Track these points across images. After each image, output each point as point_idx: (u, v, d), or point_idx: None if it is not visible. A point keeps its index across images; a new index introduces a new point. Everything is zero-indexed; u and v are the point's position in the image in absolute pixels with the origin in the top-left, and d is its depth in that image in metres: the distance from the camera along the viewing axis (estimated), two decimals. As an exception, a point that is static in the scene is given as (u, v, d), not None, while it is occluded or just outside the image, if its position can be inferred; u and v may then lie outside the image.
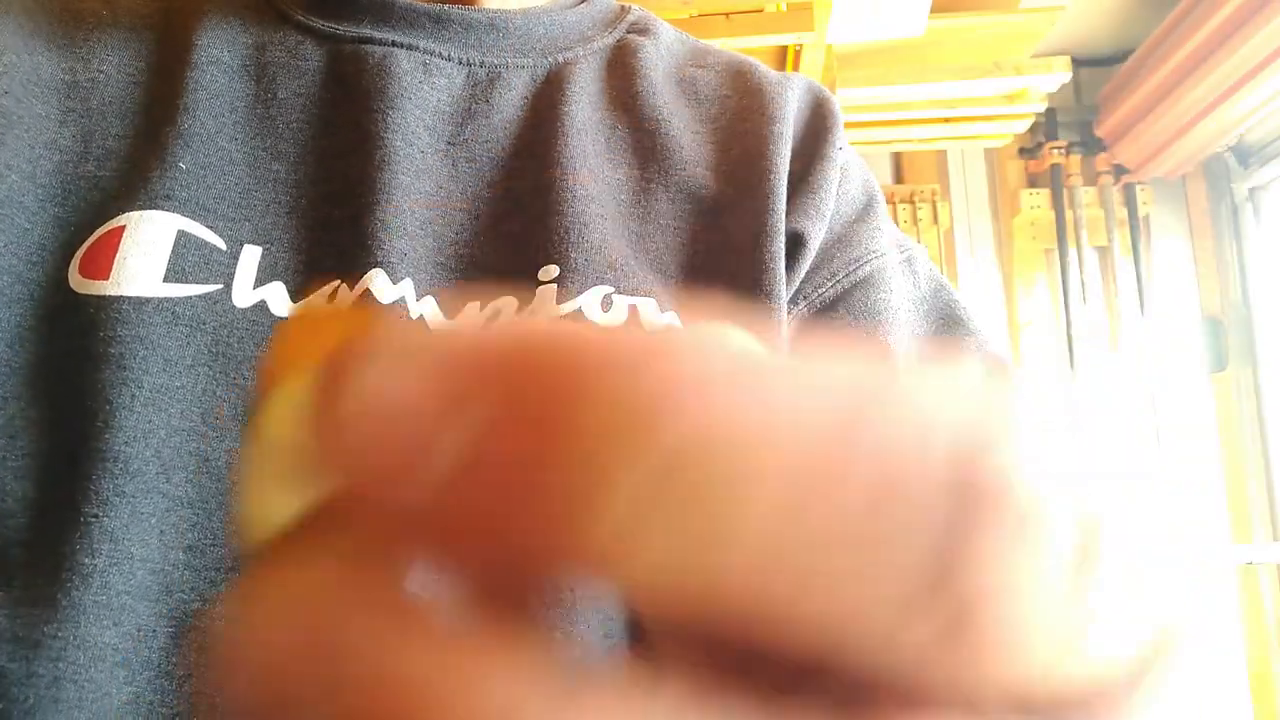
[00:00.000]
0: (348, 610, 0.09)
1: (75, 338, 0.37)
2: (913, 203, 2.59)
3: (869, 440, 0.09)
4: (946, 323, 0.49)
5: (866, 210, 0.50)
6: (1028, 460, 0.09)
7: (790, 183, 0.46)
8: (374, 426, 0.10)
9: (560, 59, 0.49)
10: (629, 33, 0.53)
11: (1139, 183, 2.58)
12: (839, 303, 0.46)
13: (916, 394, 0.10)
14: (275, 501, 0.11)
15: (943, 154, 2.67)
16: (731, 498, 0.09)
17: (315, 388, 0.10)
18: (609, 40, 0.52)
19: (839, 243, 0.48)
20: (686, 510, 0.09)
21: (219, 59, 0.44)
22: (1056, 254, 2.57)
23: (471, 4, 0.48)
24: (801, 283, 0.46)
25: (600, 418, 0.09)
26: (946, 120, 2.31)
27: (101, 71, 0.43)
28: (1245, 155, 2.50)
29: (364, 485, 0.10)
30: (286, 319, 0.11)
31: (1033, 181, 2.65)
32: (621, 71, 0.50)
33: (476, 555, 0.10)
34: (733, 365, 0.09)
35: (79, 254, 0.39)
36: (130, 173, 0.41)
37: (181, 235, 0.39)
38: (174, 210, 0.40)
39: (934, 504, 0.09)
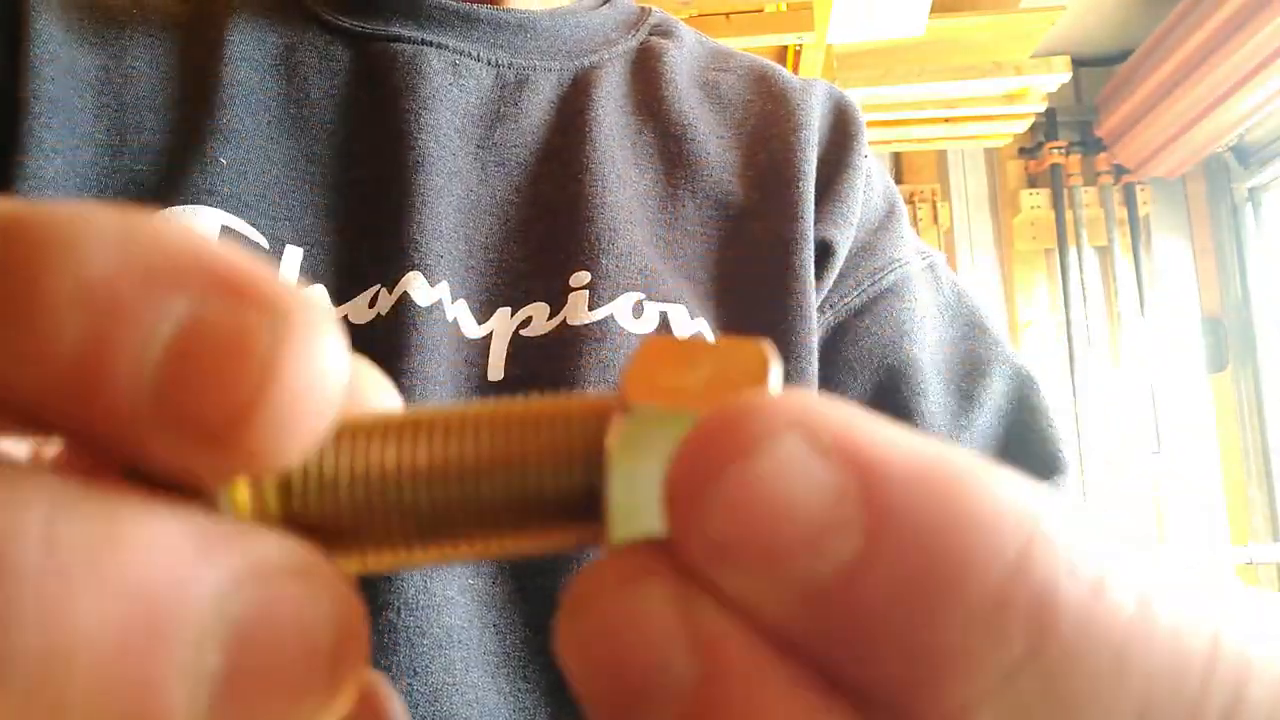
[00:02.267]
0: None
1: None
2: (913, 203, 2.59)
3: (1225, 673, 0.09)
4: (971, 329, 0.49)
5: (889, 217, 0.50)
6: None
7: (817, 190, 0.46)
8: (761, 509, 0.09)
9: (586, 62, 0.49)
10: (651, 35, 0.53)
11: (1139, 183, 2.58)
12: (864, 312, 0.46)
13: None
14: None
15: (943, 154, 2.67)
16: (1095, 695, 0.09)
17: (705, 444, 0.10)
18: (632, 43, 0.52)
19: (863, 251, 0.48)
20: (1045, 693, 0.09)
21: (250, 56, 0.44)
22: (1056, 254, 2.57)
23: (499, 4, 0.48)
24: (829, 292, 0.46)
25: (997, 575, 0.09)
26: (946, 120, 2.31)
27: (134, 67, 0.43)
28: (1245, 155, 2.51)
29: (732, 559, 0.10)
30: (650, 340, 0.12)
31: (1033, 181, 2.65)
32: (646, 75, 0.50)
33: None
34: (1117, 552, 0.09)
35: None
36: (169, 168, 0.41)
37: (226, 231, 0.39)
38: (216, 205, 0.40)
39: None
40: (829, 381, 0.44)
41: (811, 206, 0.45)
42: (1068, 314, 2.53)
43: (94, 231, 0.10)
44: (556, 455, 0.12)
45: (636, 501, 0.11)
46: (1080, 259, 2.54)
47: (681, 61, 0.51)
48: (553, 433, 0.12)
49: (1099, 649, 0.09)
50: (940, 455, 0.09)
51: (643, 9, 0.55)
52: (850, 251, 0.47)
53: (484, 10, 0.47)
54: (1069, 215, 2.55)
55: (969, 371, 0.46)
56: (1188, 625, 0.09)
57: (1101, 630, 0.09)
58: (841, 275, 0.47)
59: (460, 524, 0.12)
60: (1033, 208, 2.57)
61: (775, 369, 0.12)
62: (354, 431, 0.13)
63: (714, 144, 0.48)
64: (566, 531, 0.13)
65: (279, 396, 0.10)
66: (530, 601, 0.38)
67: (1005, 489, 0.09)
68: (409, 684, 0.34)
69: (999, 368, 0.47)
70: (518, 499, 0.12)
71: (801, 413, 0.10)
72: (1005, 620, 0.09)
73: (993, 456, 0.45)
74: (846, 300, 0.46)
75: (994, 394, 0.46)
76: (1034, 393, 0.46)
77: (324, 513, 0.12)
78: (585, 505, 0.12)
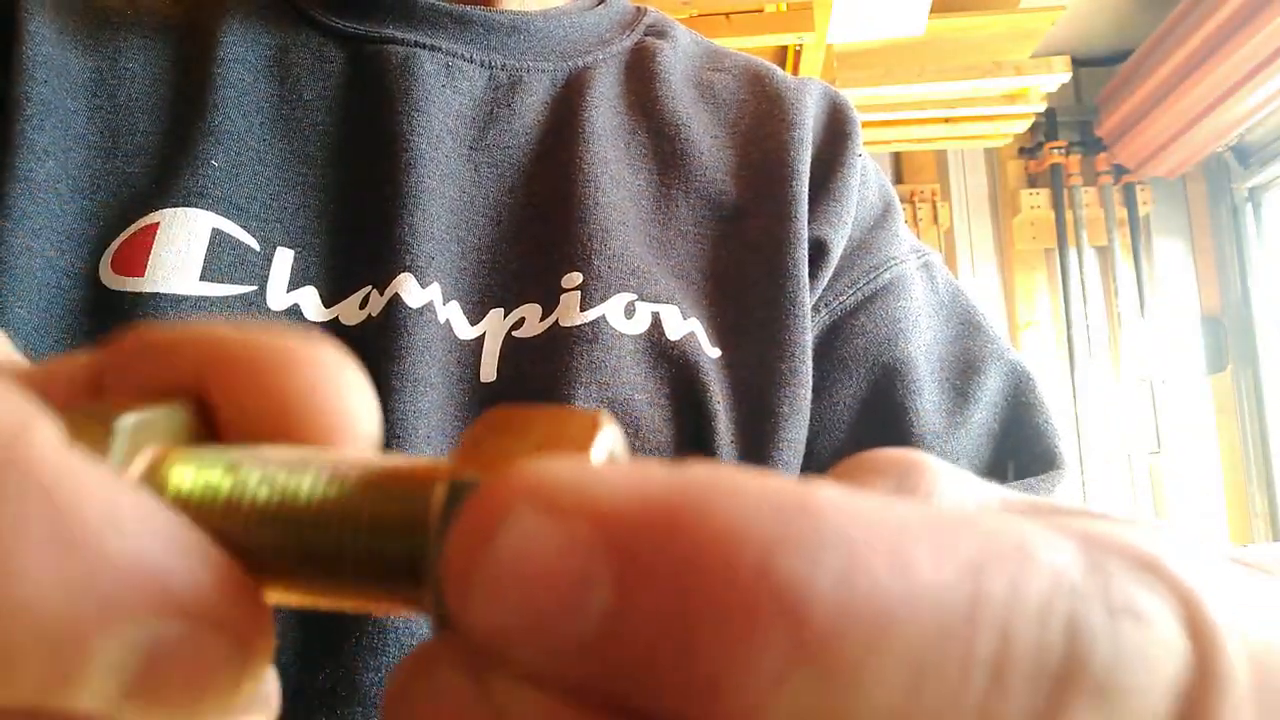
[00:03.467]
0: None
1: (108, 334, 0.37)
2: (913, 203, 2.59)
3: (992, 618, 0.09)
4: (966, 327, 0.49)
5: (884, 216, 0.50)
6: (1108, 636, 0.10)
7: (811, 189, 0.46)
8: (514, 587, 0.10)
9: (580, 63, 0.49)
10: (646, 35, 0.53)
11: (1139, 183, 2.58)
12: (860, 311, 0.46)
13: (1030, 566, 0.10)
14: None
15: (943, 154, 2.67)
16: (862, 676, 0.09)
17: (460, 532, 0.10)
18: (627, 43, 0.52)
19: (859, 250, 0.48)
20: (819, 687, 0.09)
21: (244, 58, 0.44)
22: (1056, 254, 2.57)
23: (492, 5, 0.48)
24: (824, 291, 0.46)
25: (740, 592, 0.09)
26: (946, 120, 2.31)
27: (127, 69, 0.43)
28: (1245, 155, 2.51)
29: (503, 638, 0.10)
30: (492, 413, 0.12)
31: (1033, 181, 2.65)
32: (640, 75, 0.50)
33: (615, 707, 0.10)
34: (868, 531, 0.09)
35: (111, 249, 0.38)
36: (160, 169, 0.41)
37: (217, 234, 0.39)
38: (208, 208, 0.40)
39: (1038, 685, 0.09)
40: (824, 380, 0.44)
41: (805, 206, 0.45)
42: (1068, 314, 2.53)
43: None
44: (384, 519, 0.12)
45: None
46: (1080, 259, 2.54)
47: (676, 61, 0.51)
48: (385, 495, 0.12)
49: (856, 631, 0.09)
50: (669, 486, 0.10)
51: (638, 9, 0.55)
52: (845, 250, 0.47)
53: (477, 12, 0.47)
54: (1069, 215, 2.55)
55: (964, 369, 0.46)
56: (944, 582, 0.09)
57: (855, 612, 0.09)
58: (837, 274, 0.46)
59: (288, 569, 0.12)
60: (1033, 208, 2.57)
61: (603, 437, 0.12)
62: (203, 462, 0.13)
63: (708, 143, 0.48)
64: (399, 596, 0.12)
65: None
66: None
67: (738, 500, 0.09)
68: None
69: (994, 364, 0.47)
70: (345, 555, 0.12)
71: (530, 480, 0.10)
72: (760, 629, 0.09)
73: (989, 453, 0.45)
74: (842, 299, 0.46)
75: (989, 390, 0.46)
76: (1029, 389, 0.46)
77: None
78: (412, 572, 0.12)
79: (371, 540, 0.12)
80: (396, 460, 0.13)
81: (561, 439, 0.12)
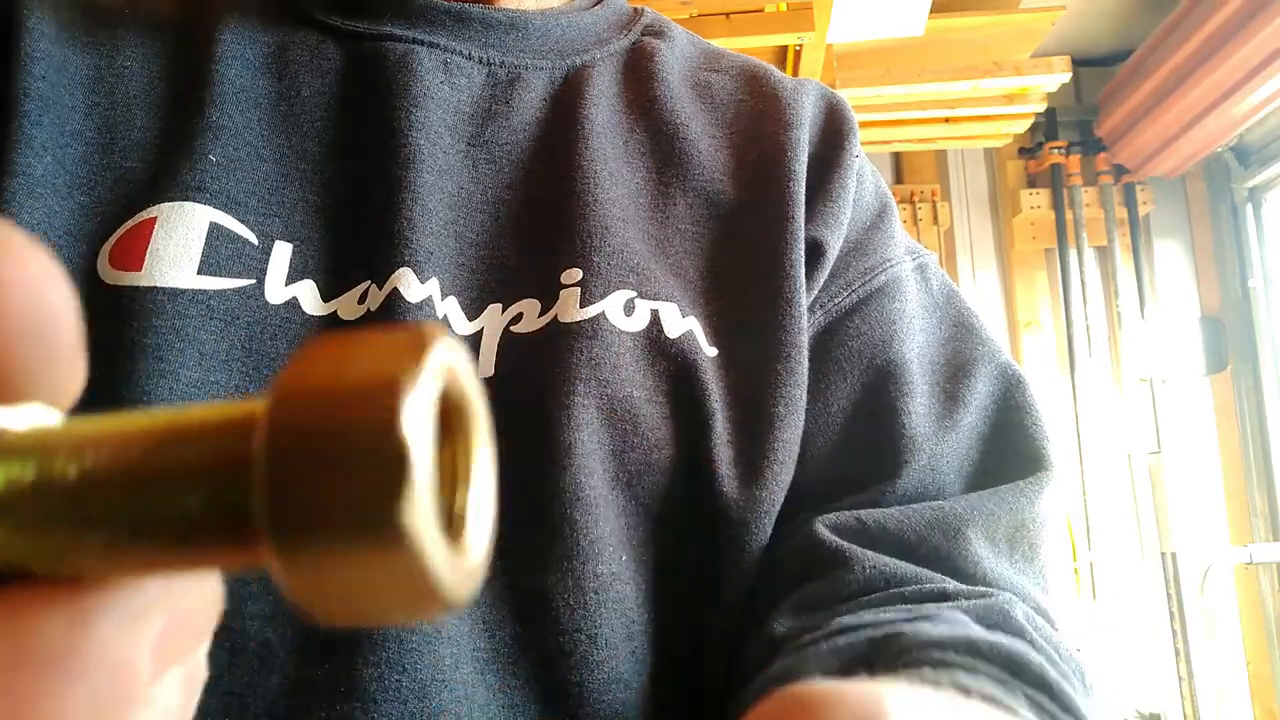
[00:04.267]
0: None
1: (107, 328, 0.37)
2: (913, 203, 2.59)
3: None
4: (958, 329, 0.49)
5: (880, 217, 0.50)
6: None
7: (808, 190, 0.46)
8: None
9: (578, 61, 0.49)
10: (644, 35, 0.53)
11: (1139, 183, 2.58)
12: (855, 312, 0.46)
13: None
14: None
15: (943, 154, 2.67)
16: None
17: None
18: (625, 43, 0.52)
19: (855, 251, 0.48)
20: None
21: (242, 55, 0.44)
22: (1056, 254, 2.57)
23: (491, 3, 0.48)
24: (819, 292, 0.46)
25: None
26: (946, 120, 2.31)
27: (125, 67, 0.43)
28: (1245, 155, 2.51)
29: None
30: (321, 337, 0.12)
31: (1033, 181, 2.65)
32: (638, 75, 0.50)
33: None
34: None
35: (108, 245, 0.38)
36: (158, 164, 0.41)
37: (214, 228, 0.39)
38: (205, 202, 0.40)
39: None
40: (819, 382, 0.44)
41: (802, 207, 0.45)
42: (1068, 314, 2.53)
43: None
44: (202, 468, 0.12)
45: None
46: (1080, 259, 2.54)
47: (674, 61, 0.51)
48: (198, 445, 0.12)
49: None
50: None
51: (635, 10, 0.55)
52: (841, 251, 0.47)
53: (475, 9, 0.47)
54: (1069, 215, 2.55)
55: (954, 372, 0.46)
56: None
57: None
58: (832, 275, 0.47)
59: (114, 540, 0.12)
60: (1033, 208, 2.57)
61: (432, 357, 0.12)
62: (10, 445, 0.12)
63: (706, 143, 0.48)
64: (231, 550, 0.12)
65: None
66: (519, 599, 0.38)
67: None
68: (397, 680, 0.35)
69: (984, 367, 0.47)
70: (169, 516, 0.12)
71: None
72: None
73: (977, 455, 0.45)
74: (837, 300, 0.46)
75: (979, 394, 0.46)
76: (1020, 391, 0.46)
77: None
78: (242, 521, 0.12)
79: (194, 498, 0.12)
80: (203, 410, 0.12)
81: (383, 364, 0.12)
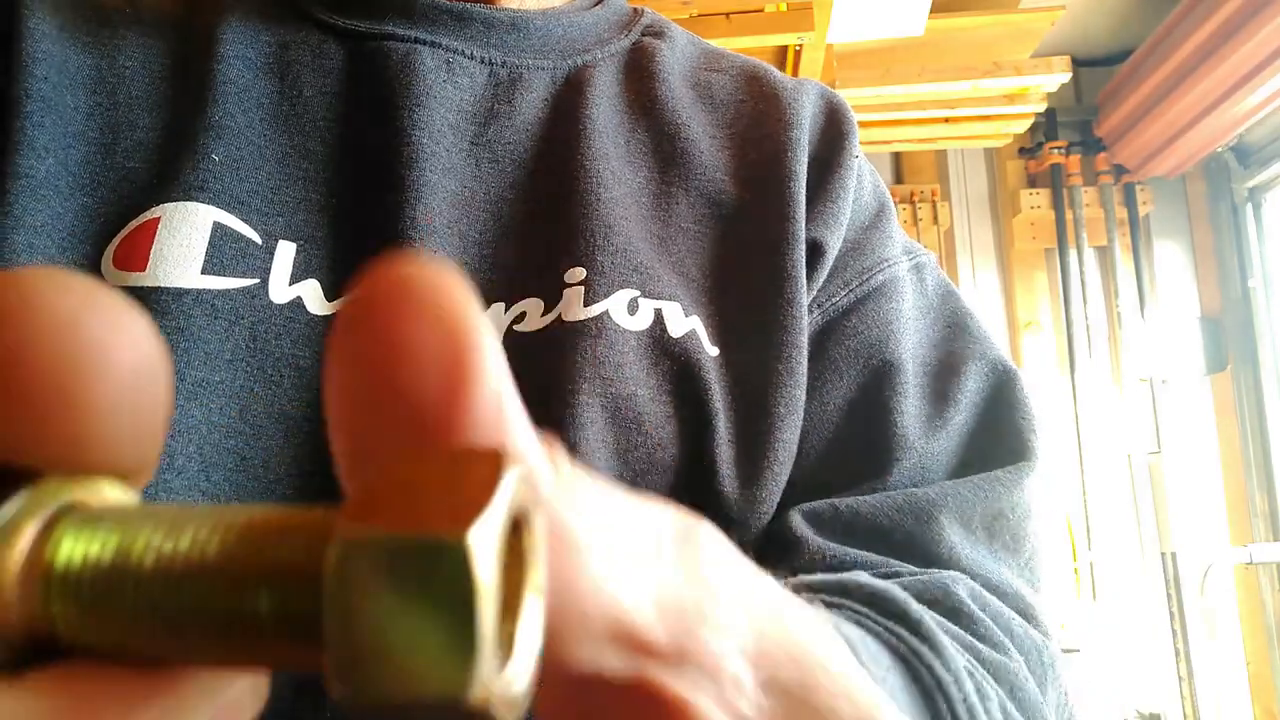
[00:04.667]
0: None
1: None
2: (913, 203, 2.59)
3: None
4: (952, 330, 0.49)
5: (878, 217, 0.50)
6: None
7: (808, 190, 0.47)
8: None
9: (579, 61, 0.49)
10: (644, 35, 0.53)
11: (1139, 183, 2.58)
12: (852, 312, 0.46)
13: None
14: None
15: (943, 154, 2.67)
16: None
17: None
18: (625, 43, 0.52)
19: (853, 250, 0.48)
20: None
21: (243, 55, 0.44)
22: (1056, 254, 2.57)
23: (493, 3, 0.48)
24: (818, 291, 0.46)
25: None
26: (946, 120, 2.31)
27: (127, 67, 0.43)
28: (1245, 155, 2.51)
29: None
30: None
31: (1033, 181, 2.65)
32: (639, 75, 0.50)
33: None
34: None
35: (113, 245, 0.38)
36: (161, 165, 0.41)
37: (218, 227, 0.39)
38: (209, 202, 0.40)
39: None
40: (816, 380, 0.44)
41: (803, 207, 0.45)
42: (1068, 314, 2.53)
43: None
44: (273, 573, 0.12)
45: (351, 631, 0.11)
46: (1080, 259, 2.54)
47: (674, 61, 0.51)
48: (275, 549, 0.12)
49: None
50: None
51: (635, 10, 0.55)
52: (840, 251, 0.47)
53: (477, 9, 0.47)
54: (1069, 215, 2.55)
55: (946, 372, 0.46)
56: None
57: None
58: (831, 274, 0.47)
59: (180, 631, 0.12)
60: (1033, 208, 2.57)
61: (504, 487, 0.12)
62: (79, 525, 0.12)
63: (706, 143, 0.48)
64: (299, 656, 0.12)
65: None
66: None
67: None
68: None
69: (975, 365, 0.47)
70: (236, 616, 0.12)
71: None
72: None
73: (964, 450, 0.45)
74: (835, 300, 0.46)
75: (969, 391, 0.46)
76: (1010, 388, 0.47)
77: (66, 611, 0.12)
78: (309, 631, 0.12)
79: (263, 600, 0.12)
80: (280, 514, 0.12)
81: (458, 491, 0.11)
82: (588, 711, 0.17)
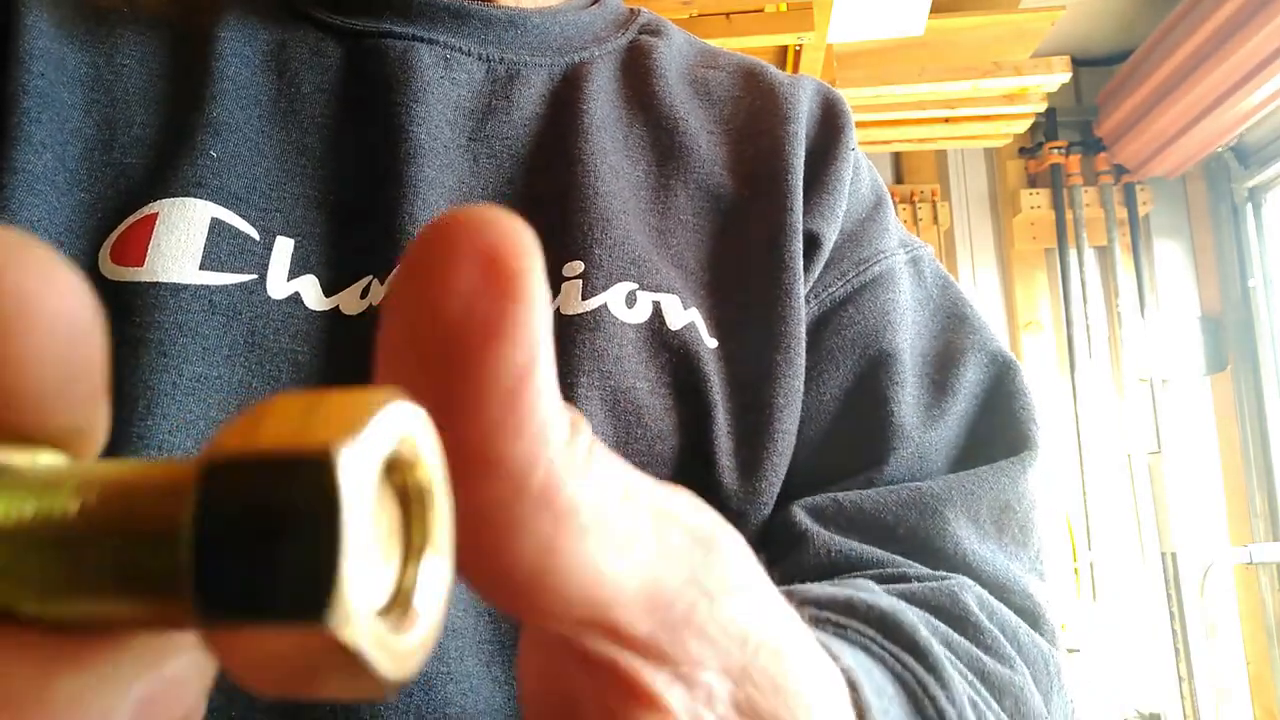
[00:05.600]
0: None
1: (110, 323, 0.37)
2: (913, 203, 2.59)
3: None
4: (951, 320, 0.49)
5: (875, 209, 0.51)
6: None
7: (804, 183, 0.47)
8: None
9: (577, 58, 0.49)
10: (641, 34, 0.53)
11: (1139, 183, 2.59)
12: (849, 302, 0.47)
13: None
14: None
15: (943, 154, 2.67)
16: None
17: None
18: (623, 41, 0.52)
19: (849, 242, 0.48)
20: None
21: (241, 52, 0.44)
22: (1056, 254, 2.58)
23: (490, 1, 0.48)
24: (814, 283, 0.46)
25: None
26: (946, 120, 2.32)
27: (124, 65, 0.43)
28: (1245, 155, 2.51)
29: None
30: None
31: (1033, 181, 2.65)
32: (637, 71, 0.50)
33: None
34: None
35: (110, 240, 0.39)
36: (159, 161, 0.41)
37: (216, 223, 0.39)
38: (206, 198, 0.40)
39: None
40: (812, 371, 0.45)
41: (800, 200, 0.46)
42: (1068, 314, 2.54)
43: None
44: (133, 533, 0.11)
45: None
46: (1080, 259, 2.54)
47: (671, 59, 0.52)
48: (134, 501, 0.11)
49: None
50: None
51: (632, 10, 0.55)
52: (836, 243, 0.47)
53: (474, 6, 0.47)
54: (1069, 215, 2.55)
55: (944, 362, 0.47)
56: None
57: None
58: (827, 266, 0.47)
59: (75, 594, 0.12)
60: (1033, 208, 2.58)
61: (390, 412, 0.11)
62: None
63: (704, 138, 0.48)
64: (167, 612, 0.11)
65: None
66: None
67: None
68: None
69: (974, 355, 0.47)
70: (103, 573, 0.11)
71: None
72: None
73: (964, 441, 0.45)
74: (831, 291, 0.47)
75: (968, 382, 0.46)
76: (1010, 378, 0.47)
77: None
78: (171, 585, 0.11)
79: (124, 556, 0.11)
80: (146, 466, 0.12)
81: (334, 418, 0.11)
82: (564, 674, 0.17)
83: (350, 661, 0.11)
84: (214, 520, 0.11)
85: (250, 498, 0.11)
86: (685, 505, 0.17)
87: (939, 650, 0.30)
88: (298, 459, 0.11)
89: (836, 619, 0.29)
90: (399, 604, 0.12)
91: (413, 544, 0.13)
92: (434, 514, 0.13)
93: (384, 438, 0.11)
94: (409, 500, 0.13)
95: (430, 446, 0.13)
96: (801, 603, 0.30)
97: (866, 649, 0.29)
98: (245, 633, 0.11)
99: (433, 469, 0.13)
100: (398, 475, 0.12)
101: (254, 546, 0.11)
